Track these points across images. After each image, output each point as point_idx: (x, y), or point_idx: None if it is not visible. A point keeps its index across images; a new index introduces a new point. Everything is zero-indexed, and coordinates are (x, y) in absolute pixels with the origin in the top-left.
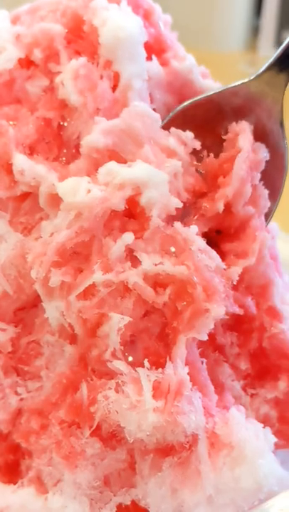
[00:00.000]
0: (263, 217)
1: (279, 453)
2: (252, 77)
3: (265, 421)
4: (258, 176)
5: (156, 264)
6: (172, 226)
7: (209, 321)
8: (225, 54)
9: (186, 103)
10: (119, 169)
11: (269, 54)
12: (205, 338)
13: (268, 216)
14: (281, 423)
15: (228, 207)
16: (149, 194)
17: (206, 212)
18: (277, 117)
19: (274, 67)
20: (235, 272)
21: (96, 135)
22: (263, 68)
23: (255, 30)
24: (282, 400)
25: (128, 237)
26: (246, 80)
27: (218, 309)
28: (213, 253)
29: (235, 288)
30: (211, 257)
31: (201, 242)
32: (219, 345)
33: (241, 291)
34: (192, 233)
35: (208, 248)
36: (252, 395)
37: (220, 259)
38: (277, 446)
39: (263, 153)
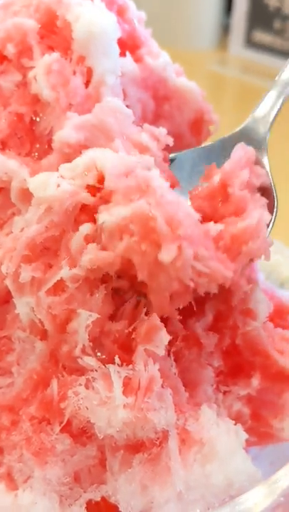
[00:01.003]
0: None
1: (251, 449)
2: None
3: (237, 418)
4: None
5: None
6: None
7: (164, 334)
8: (195, 52)
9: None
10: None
11: (239, 53)
12: (162, 353)
13: None
14: (253, 420)
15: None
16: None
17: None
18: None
19: None
20: (214, 228)
21: (68, 130)
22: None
23: (225, 29)
24: (255, 396)
25: (86, 228)
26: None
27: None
28: (181, 198)
29: None
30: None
31: (165, 184)
32: (194, 343)
33: None
34: (154, 174)
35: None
36: (225, 392)
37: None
38: (249, 443)
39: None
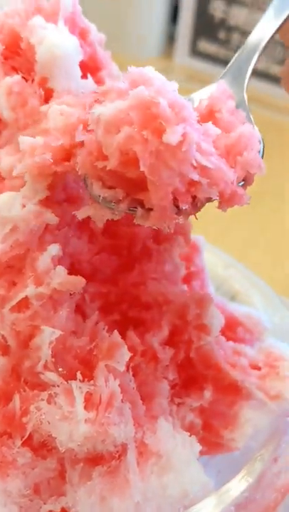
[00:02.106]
0: None
1: (200, 458)
2: None
3: (190, 429)
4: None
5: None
6: None
7: (124, 351)
8: (141, 60)
9: None
10: None
11: (184, 62)
12: (122, 369)
13: None
14: (205, 430)
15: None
16: None
17: None
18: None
19: None
20: (213, 129)
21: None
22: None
23: (171, 38)
24: (207, 408)
25: (53, 249)
26: None
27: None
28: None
29: None
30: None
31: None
32: (151, 358)
33: None
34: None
35: None
36: (178, 404)
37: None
38: (200, 452)
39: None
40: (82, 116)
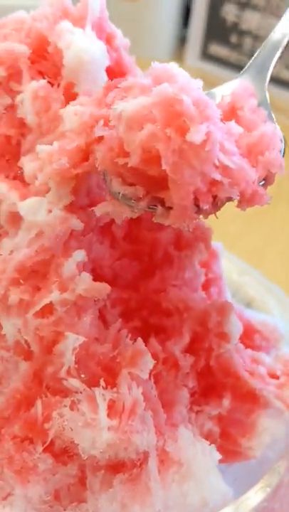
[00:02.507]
0: None
1: (218, 467)
2: None
3: (208, 437)
4: None
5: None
6: None
7: (148, 359)
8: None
9: None
10: None
11: (195, 65)
12: (146, 377)
13: None
14: (223, 439)
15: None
16: None
17: None
18: None
19: None
20: (236, 128)
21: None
22: None
23: (182, 41)
24: (225, 416)
25: (79, 255)
26: None
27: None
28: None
29: None
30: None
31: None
32: (172, 365)
33: None
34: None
35: None
36: (197, 412)
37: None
38: (218, 461)
39: None
40: (96, 113)
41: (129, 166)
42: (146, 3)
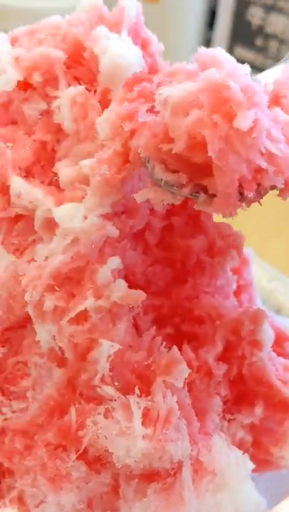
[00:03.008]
0: None
1: (250, 476)
2: None
3: (240, 445)
4: None
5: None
6: None
7: (184, 368)
8: None
9: None
10: None
11: None
12: (181, 385)
13: None
14: (255, 448)
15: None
16: None
17: None
18: None
19: None
20: (283, 116)
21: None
22: None
23: (207, 43)
24: (258, 425)
25: (114, 262)
26: None
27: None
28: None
29: None
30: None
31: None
32: (205, 373)
33: None
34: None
35: None
36: (229, 420)
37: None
38: (251, 470)
39: None
40: (120, 111)
41: (173, 152)
42: (169, 5)
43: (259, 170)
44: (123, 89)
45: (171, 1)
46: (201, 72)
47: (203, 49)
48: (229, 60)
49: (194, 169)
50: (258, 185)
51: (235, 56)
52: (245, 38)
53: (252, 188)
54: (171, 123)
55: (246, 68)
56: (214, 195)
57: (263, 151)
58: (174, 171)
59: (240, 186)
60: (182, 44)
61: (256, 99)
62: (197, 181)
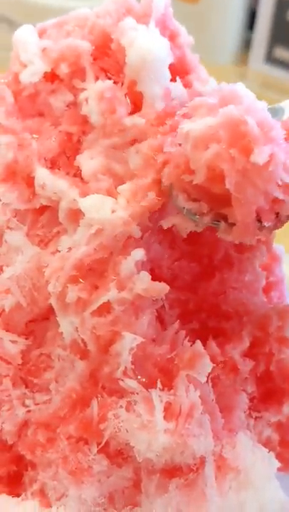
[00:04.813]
0: None
1: (277, 475)
2: None
3: (266, 444)
4: None
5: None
6: None
7: (207, 362)
8: (216, 66)
9: None
10: None
11: (259, 68)
12: (204, 380)
13: None
14: (282, 446)
15: None
16: None
17: None
18: None
19: None
20: None
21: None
22: None
23: (246, 44)
24: (285, 423)
25: (137, 254)
26: None
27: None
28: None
29: None
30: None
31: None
32: (231, 369)
33: None
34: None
35: None
36: (256, 418)
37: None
38: (276, 469)
39: None
40: (153, 143)
41: (194, 183)
42: (208, 5)
43: (276, 201)
44: (155, 121)
45: (210, 1)
46: (220, 108)
47: (224, 84)
48: (248, 95)
49: (214, 199)
50: (277, 214)
51: (275, 57)
52: (286, 38)
53: (270, 218)
54: (191, 156)
55: (263, 104)
56: (234, 224)
57: (280, 183)
58: (195, 200)
59: (259, 215)
60: (222, 45)
61: (272, 135)
62: (217, 210)
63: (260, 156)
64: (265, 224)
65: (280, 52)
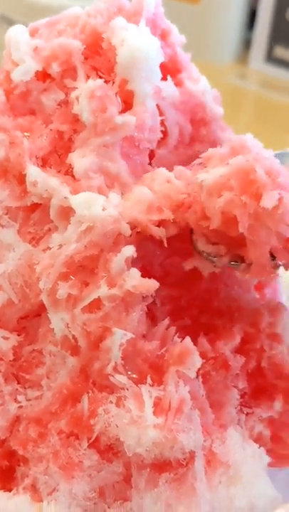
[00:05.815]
0: None
1: (269, 471)
2: None
3: (258, 439)
4: None
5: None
6: None
7: (196, 358)
8: (216, 66)
9: None
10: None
11: (260, 67)
12: (193, 375)
13: None
14: (274, 442)
15: None
16: None
17: None
18: None
19: None
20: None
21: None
22: None
23: (247, 43)
24: (277, 419)
25: (128, 251)
26: None
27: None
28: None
29: None
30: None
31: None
32: (222, 365)
33: None
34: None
35: None
36: (247, 414)
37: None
38: (268, 464)
39: None
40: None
41: (210, 228)
42: (209, 6)
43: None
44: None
45: (211, 1)
46: (231, 158)
47: (234, 136)
48: (256, 145)
49: (231, 242)
50: None
51: (275, 56)
52: (286, 37)
53: (284, 257)
54: (206, 203)
55: (270, 152)
56: (251, 264)
57: None
58: (213, 243)
59: (274, 255)
60: (222, 44)
61: (280, 181)
62: (234, 252)
63: (269, 201)
64: (280, 262)
65: (280, 52)
